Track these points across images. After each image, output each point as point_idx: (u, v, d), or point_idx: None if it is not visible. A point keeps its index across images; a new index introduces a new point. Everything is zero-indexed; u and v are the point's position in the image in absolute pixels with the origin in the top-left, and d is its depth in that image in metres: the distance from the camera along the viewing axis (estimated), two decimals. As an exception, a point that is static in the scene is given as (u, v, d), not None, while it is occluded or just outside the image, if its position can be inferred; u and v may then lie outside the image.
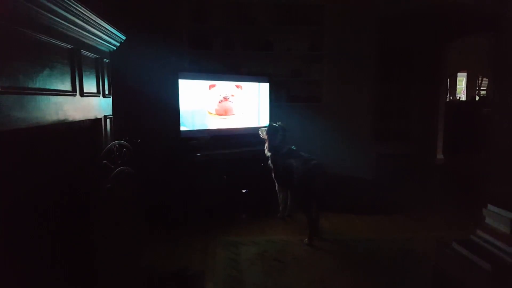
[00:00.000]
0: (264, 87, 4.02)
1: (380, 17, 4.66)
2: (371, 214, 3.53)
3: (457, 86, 10.26)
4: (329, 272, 2.38)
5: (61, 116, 1.48)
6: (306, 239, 2.83)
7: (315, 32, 4.49)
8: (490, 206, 1.75)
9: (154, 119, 3.57)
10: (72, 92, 1.59)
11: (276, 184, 3.36)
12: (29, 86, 1.25)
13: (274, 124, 3.38)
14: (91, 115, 1.85)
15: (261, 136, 3.43)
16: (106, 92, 2.06)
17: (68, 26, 1.49)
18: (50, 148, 1.45)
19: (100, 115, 1.96)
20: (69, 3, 1.39)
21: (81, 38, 1.67)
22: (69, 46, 1.55)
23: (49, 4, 1.28)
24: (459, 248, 1.76)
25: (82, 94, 1.68)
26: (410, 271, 2.38)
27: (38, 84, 1.30)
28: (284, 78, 4.53)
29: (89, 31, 1.69)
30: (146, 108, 3.58)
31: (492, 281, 1.50)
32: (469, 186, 4.63)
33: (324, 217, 3.26)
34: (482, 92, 9.44)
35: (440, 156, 6.28)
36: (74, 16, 1.48)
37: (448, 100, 8.18)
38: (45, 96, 1.36)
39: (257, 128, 3.53)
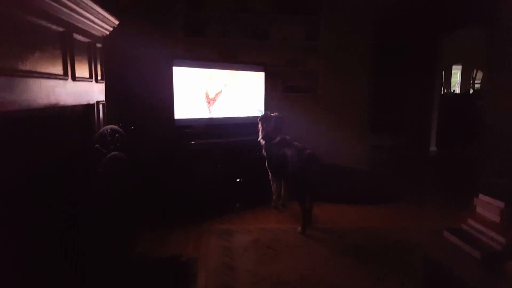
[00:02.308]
0: (260, 76, 3.99)
1: (376, 9, 4.64)
2: (364, 204, 3.55)
3: (452, 79, 10.28)
4: (322, 260, 2.40)
5: (52, 100, 1.46)
6: (299, 228, 2.85)
7: (311, 22, 4.46)
8: (480, 196, 1.77)
9: (149, 107, 3.54)
10: (64, 76, 1.57)
11: (270, 173, 3.36)
12: (19, 68, 1.23)
13: (270, 113, 3.37)
14: (84, 100, 1.83)
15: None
16: (99, 78, 2.04)
17: (59, 8, 1.46)
18: (41, 132, 1.43)
19: (92, 101, 1.94)
20: (60, -16, 1.36)
21: (72, 21, 1.64)
22: (60, 29, 1.52)
23: (39, -15, 1.26)
24: (450, 237, 1.78)
25: (74, 78, 1.66)
26: (402, 260, 2.41)
27: (29, 67, 1.28)
28: (280, 67, 4.51)
29: (81, 14, 1.66)
30: (140, 95, 3.55)
31: (481, 268, 1.52)
32: (461, 177, 4.68)
33: (318, 207, 3.27)
34: (476, 85, 9.47)
35: (433, 148, 6.33)
36: (65, -3, 1.45)
37: (442, 92, 8.21)
38: (36, 79, 1.34)
39: (252, 118, 3.52)
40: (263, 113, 3.45)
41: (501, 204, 1.64)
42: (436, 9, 5.10)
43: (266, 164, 3.32)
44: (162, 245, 2.56)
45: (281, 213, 3.33)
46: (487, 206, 1.72)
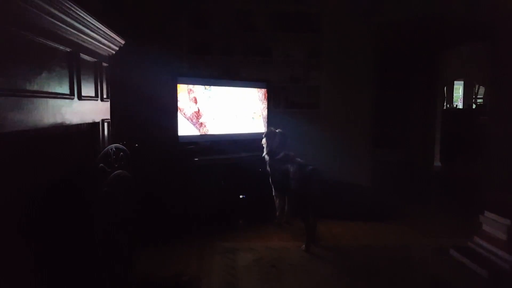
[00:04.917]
0: (263, 93, 4.03)
1: (377, 25, 4.70)
2: (368, 221, 3.52)
3: (454, 94, 10.31)
4: (326, 279, 2.37)
5: (58, 119, 1.48)
6: (303, 246, 2.82)
7: (313, 39, 4.52)
8: (487, 213, 1.76)
9: (153, 123, 3.57)
10: (70, 95, 1.59)
11: (273, 189, 3.35)
12: (27, 88, 1.25)
13: (274, 129, 3.39)
14: (89, 119, 1.85)
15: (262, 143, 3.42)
16: (104, 96, 2.06)
17: (67, 29, 1.50)
18: (47, 151, 1.45)
19: (98, 119, 1.96)
20: (69, 6, 1.40)
21: (80, 42, 1.67)
22: (67, 49, 1.55)
23: (48, 7, 1.29)
24: (457, 255, 1.76)
25: (80, 97, 1.68)
26: (407, 278, 2.37)
27: (36, 87, 1.30)
28: (282, 84, 4.55)
29: (88, 35, 1.70)
30: (145, 112, 3.58)
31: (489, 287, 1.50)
32: (466, 193, 4.63)
33: (321, 224, 3.24)
34: (479, 100, 9.48)
35: (437, 163, 6.29)
36: (73, 19, 1.48)
37: (445, 108, 8.22)
38: (43, 99, 1.36)
39: (255, 134, 3.53)
40: (267, 129, 3.46)
41: (507, 222, 1.63)
42: (438, 25, 5.16)
43: (270, 179, 3.32)
44: (165, 263, 2.54)
45: (284, 230, 3.30)
46: (493, 224, 1.71)
